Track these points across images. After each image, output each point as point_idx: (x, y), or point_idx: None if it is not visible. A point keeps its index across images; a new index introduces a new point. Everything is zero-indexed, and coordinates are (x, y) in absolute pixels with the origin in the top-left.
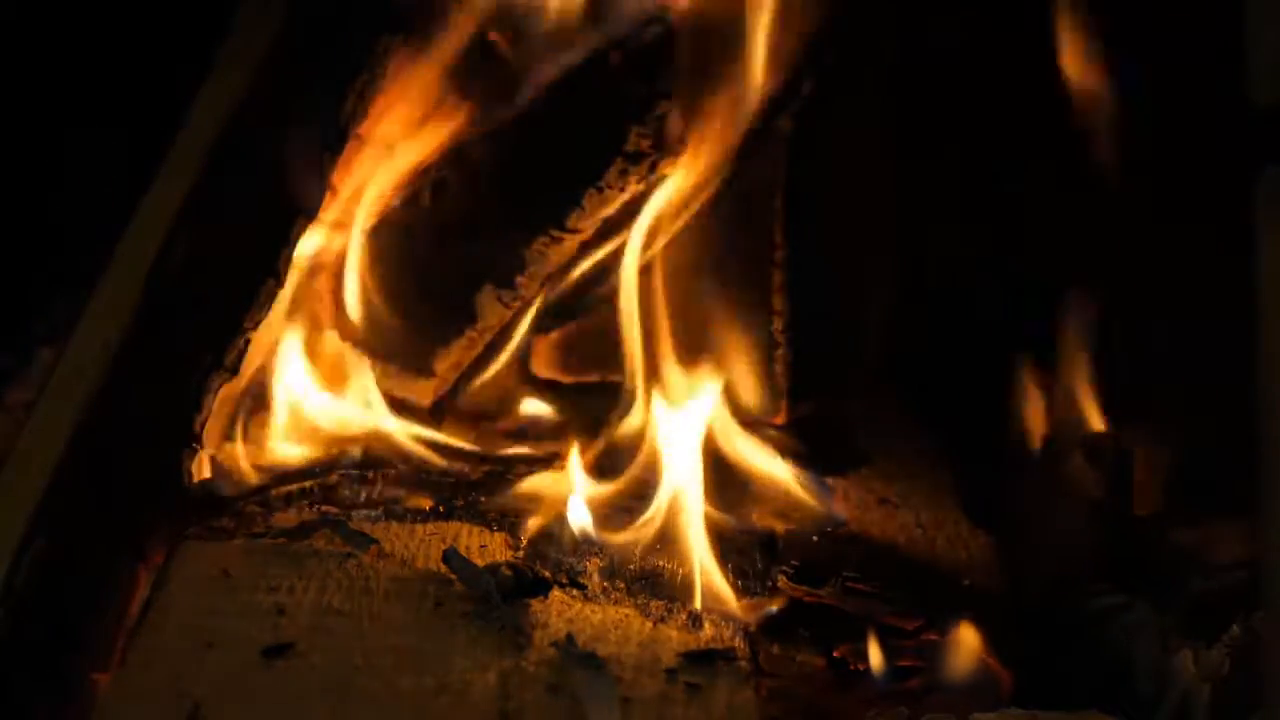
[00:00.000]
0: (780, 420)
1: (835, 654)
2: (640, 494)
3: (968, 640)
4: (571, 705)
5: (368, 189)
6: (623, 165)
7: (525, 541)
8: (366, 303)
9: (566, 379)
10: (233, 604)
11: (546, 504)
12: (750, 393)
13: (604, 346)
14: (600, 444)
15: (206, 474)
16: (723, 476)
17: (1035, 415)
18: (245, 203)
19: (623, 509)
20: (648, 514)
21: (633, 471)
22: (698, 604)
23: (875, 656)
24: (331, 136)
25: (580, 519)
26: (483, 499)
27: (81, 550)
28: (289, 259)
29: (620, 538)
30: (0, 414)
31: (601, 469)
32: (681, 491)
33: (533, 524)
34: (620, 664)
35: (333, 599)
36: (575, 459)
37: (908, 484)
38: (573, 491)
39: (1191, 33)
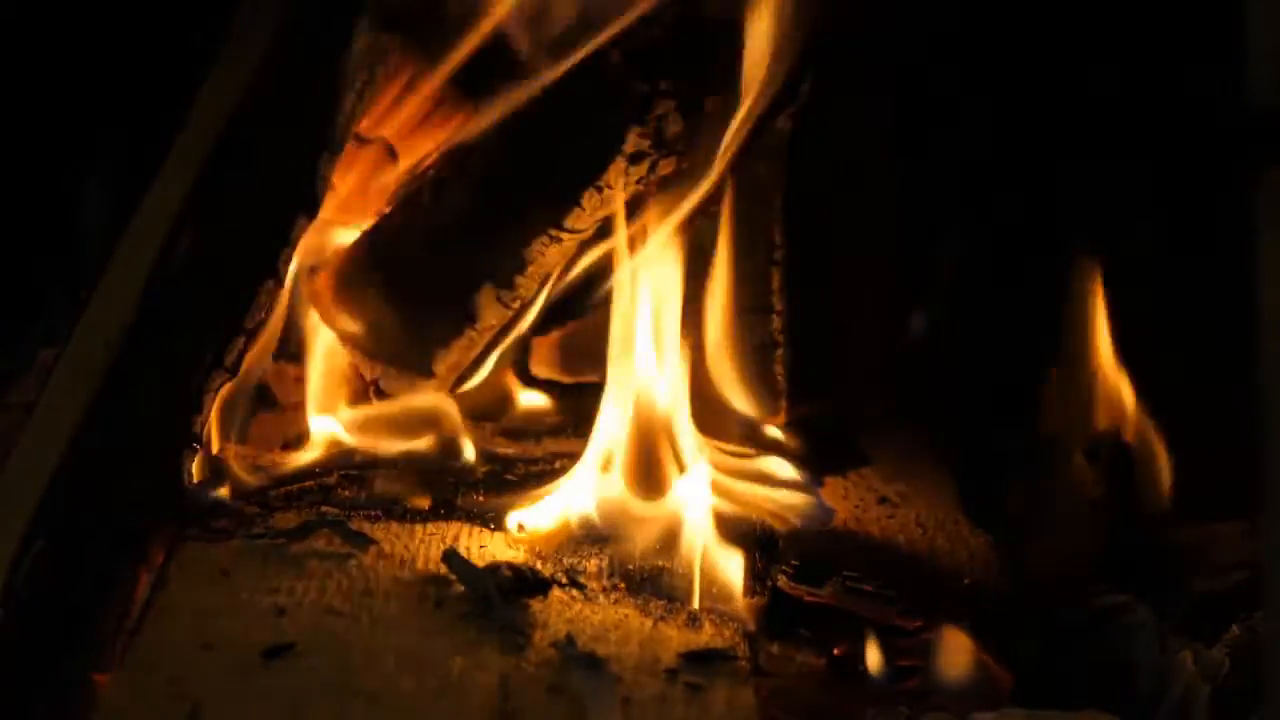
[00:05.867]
0: (780, 420)
1: (835, 654)
2: (641, 493)
3: (957, 642)
4: (571, 705)
5: (368, 189)
6: (623, 165)
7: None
8: (366, 303)
9: (566, 379)
10: (233, 604)
11: (548, 505)
12: (750, 393)
13: (604, 346)
14: (599, 444)
15: (206, 474)
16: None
17: (1036, 415)
18: (245, 203)
19: (623, 508)
20: (650, 513)
21: (632, 470)
22: (696, 604)
23: (874, 656)
24: (331, 136)
25: (587, 514)
26: (482, 499)
27: (81, 550)
28: (289, 259)
29: (623, 536)
30: (0, 414)
31: (601, 468)
32: (684, 491)
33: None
34: (620, 664)
35: (333, 599)
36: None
37: (908, 484)
38: (579, 489)
39: (1192, 33)
